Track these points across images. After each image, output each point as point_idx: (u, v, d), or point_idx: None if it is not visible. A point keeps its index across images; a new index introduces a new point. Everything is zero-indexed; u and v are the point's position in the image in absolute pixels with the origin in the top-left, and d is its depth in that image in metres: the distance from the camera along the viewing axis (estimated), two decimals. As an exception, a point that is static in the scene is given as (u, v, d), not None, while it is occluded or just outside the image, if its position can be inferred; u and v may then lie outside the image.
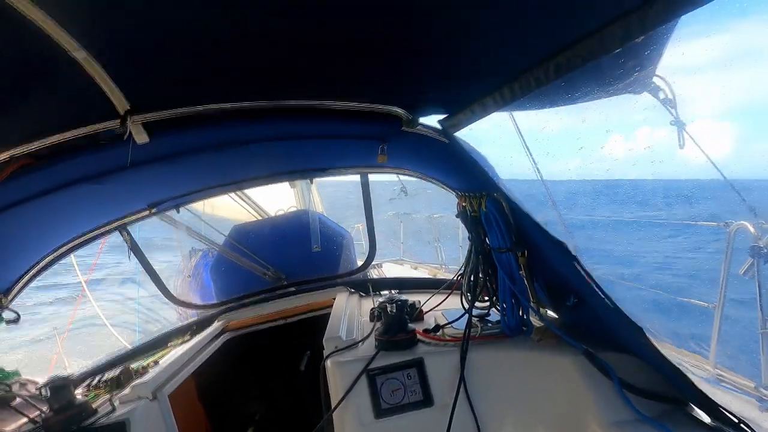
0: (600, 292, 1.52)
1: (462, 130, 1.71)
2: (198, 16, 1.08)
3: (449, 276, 6.61)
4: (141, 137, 1.57)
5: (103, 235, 2.71)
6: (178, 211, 2.94)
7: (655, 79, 1.69)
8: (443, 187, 2.61)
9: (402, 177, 3.05)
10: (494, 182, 1.81)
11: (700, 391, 1.44)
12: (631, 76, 1.59)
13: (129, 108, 1.48)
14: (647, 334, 1.45)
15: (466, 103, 1.58)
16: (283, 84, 1.58)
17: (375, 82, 1.61)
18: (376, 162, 2.17)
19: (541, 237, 1.72)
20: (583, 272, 1.55)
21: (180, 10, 1.04)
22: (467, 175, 2.06)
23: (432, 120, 1.82)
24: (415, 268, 7.07)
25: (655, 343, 1.46)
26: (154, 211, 2.71)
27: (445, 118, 1.73)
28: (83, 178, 1.78)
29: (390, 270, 6.26)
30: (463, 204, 2.20)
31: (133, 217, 2.72)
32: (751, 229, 2.52)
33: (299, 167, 2.74)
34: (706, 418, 1.52)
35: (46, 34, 1.04)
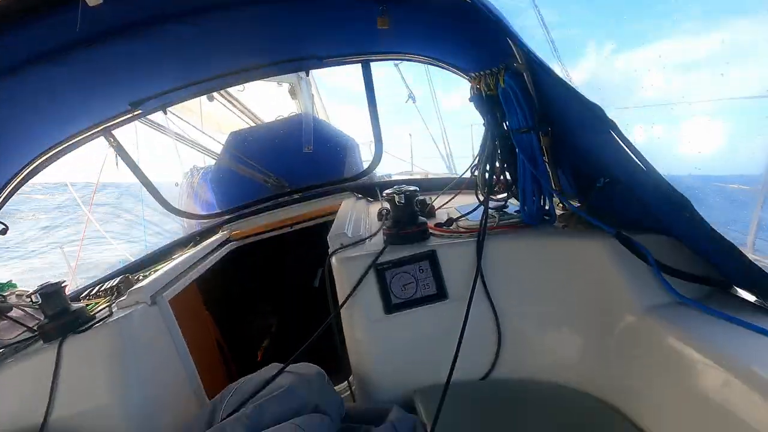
0: (640, 163, 1.31)
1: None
2: None
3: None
4: None
5: (85, 140, 2.51)
6: (165, 113, 2.72)
7: None
8: (454, 71, 2.33)
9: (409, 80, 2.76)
10: (516, 44, 1.53)
11: (753, 268, 1.27)
12: None
13: None
14: (693, 209, 1.25)
15: None
16: None
17: None
18: (379, 37, 1.88)
19: (571, 105, 1.48)
20: (620, 141, 1.33)
21: None
22: (484, 45, 1.78)
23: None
24: (426, 175, 6.88)
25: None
26: (137, 112, 2.49)
27: None
28: (37, 57, 1.54)
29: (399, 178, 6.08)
30: (478, 86, 1.94)
31: (116, 119, 2.50)
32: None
33: (293, 55, 2.45)
34: (752, 298, 1.37)
35: None
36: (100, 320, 1.80)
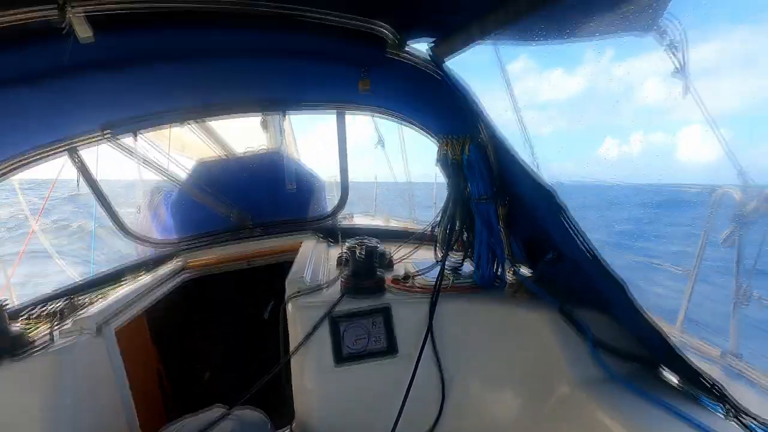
0: (584, 246, 1.43)
1: (453, 59, 1.54)
2: None
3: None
4: (83, 31, 1.34)
5: (49, 156, 2.46)
6: (136, 139, 2.70)
7: (662, 22, 1.54)
8: (423, 132, 2.45)
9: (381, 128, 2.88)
10: (482, 120, 1.66)
11: (676, 353, 1.40)
12: (637, 12, 1.44)
13: None
14: (628, 291, 1.38)
15: (458, 25, 1.41)
16: None
17: None
18: (357, 91, 1.98)
19: (527, 185, 1.60)
20: (568, 223, 1.45)
21: None
22: (453, 114, 1.91)
23: (420, 47, 1.64)
24: (387, 221, 6.96)
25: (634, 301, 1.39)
26: (107, 134, 2.47)
27: (434, 43, 1.55)
28: (15, 79, 1.54)
29: (361, 221, 6.13)
30: (445, 148, 2.06)
31: (84, 139, 2.47)
32: (737, 196, 2.47)
33: (272, 96, 2.52)
34: (675, 381, 1.49)
35: None
36: (40, 347, 1.73)
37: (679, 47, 1.54)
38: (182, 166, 3.91)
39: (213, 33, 1.56)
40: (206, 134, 5.64)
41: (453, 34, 1.43)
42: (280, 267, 3.00)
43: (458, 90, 1.58)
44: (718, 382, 1.33)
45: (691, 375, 1.40)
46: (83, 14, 1.32)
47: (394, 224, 6.62)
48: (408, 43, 1.62)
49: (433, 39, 1.55)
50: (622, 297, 1.40)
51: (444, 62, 1.56)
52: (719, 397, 1.32)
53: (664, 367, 1.55)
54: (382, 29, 1.57)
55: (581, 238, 1.42)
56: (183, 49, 1.67)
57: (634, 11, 1.40)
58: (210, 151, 5.83)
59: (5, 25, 1.31)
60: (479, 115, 1.63)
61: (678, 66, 1.62)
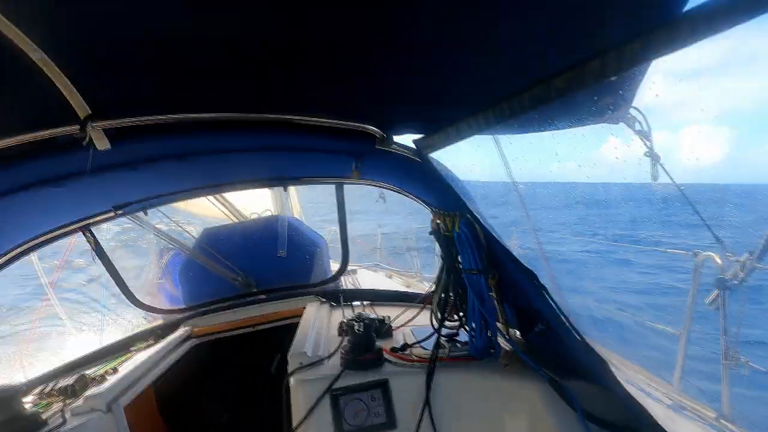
0: (567, 323, 1.52)
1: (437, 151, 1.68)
2: (166, 17, 1.02)
3: (424, 286, 6.65)
4: (102, 143, 1.50)
5: (64, 235, 2.61)
6: (146, 213, 2.85)
7: (631, 111, 1.70)
8: (419, 202, 2.58)
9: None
10: (467, 205, 1.79)
11: (660, 427, 1.45)
12: (607, 109, 1.60)
13: (90, 113, 1.41)
14: (611, 368, 1.46)
15: (441, 125, 1.56)
16: (255, 96, 1.53)
17: (349, 99, 1.58)
18: (352, 173, 2.14)
19: (511, 263, 1.71)
20: (551, 302, 1.55)
21: (145, 11, 0.99)
22: (441, 195, 2.05)
23: (407, 139, 1.80)
24: (390, 277, 7.03)
25: (618, 377, 1.47)
26: (119, 212, 2.62)
27: (420, 138, 1.71)
28: (41, 182, 1.70)
29: (364, 277, 6.21)
30: (437, 221, 2.18)
31: (97, 218, 2.62)
32: (718, 261, 2.56)
33: (274, 175, 2.69)
34: None
35: (1, 32, 0.98)
36: (54, 428, 1.80)
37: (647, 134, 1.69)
38: (189, 234, 4.04)
39: (222, 138, 1.73)
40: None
41: (436, 133, 1.58)
42: (284, 330, 3.07)
43: (442, 178, 1.72)
44: None
45: None
46: (102, 128, 1.48)
47: (398, 280, 6.74)
48: (395, 138, 1.78)
49: (420, 135, 1.71)
50: (606, 373, 1.48)
51: (429, 154, 1.71)
52: None
53: None
54: (371, 128, 1.74)
55: (564, 317, 1.51)
56: (193, 151, 1.83)
57: (607, 104, 1.56)
58: (213, 209, 5.99)
59: (36, 139, 1.47)
60: (465, 201, 1.76)
61: (648, 149, 1.77)
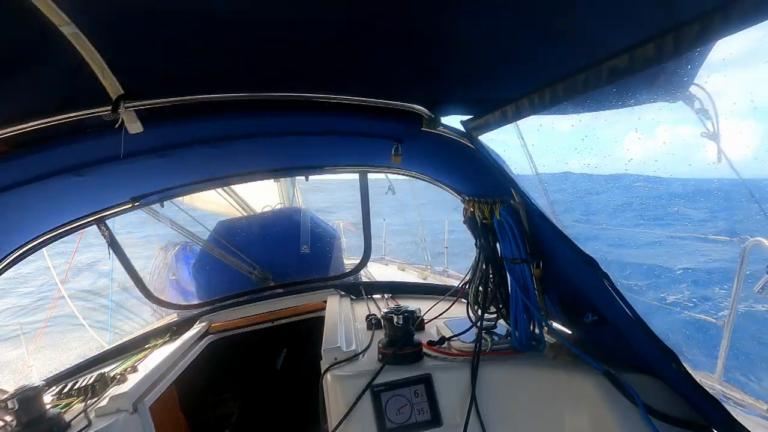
0: (631, 314, 1.43)
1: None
2: None
3: (438, 278, 6.56)
4: (134, 126, 1.40)
5: (80, 228, 2.51)
6: (162, 205, 2.75)
7: (692, 89, 1.60)
8: (450, 192, 2.49)
9: (390, 176, 2.93)
10: (515, 187, 1.69)
11: (730, 418, 1.37)
12: (667, 89, 1.51)
13: (123, 93, 1.31)
14: (682, 361, 1.37)
15: (494, 105, 1.45)
16: (293, 74, 1.43)
17: (395, 76, 1.47)
18: (389, 163, 2.03)
19: (563, 250, 1.61)
20: (612, 291, 1.45)
21: None
22: (484, 180, 1.94)
23: (453, 120, 1.69)
24: (403, 269, 6.95)
25: (689, 370, 1.38)
26: (137, 204, 2.52)
27: (469, 119, 1.60)
28: (65, 170, 1.60)
29: (376, 270, 6.12)
30: (471, 209, 2.08)
31: (114, 210, 2.52)
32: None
33: (298, 164, 2.58)
34: None
35: (31, 4, 0.88)
36: (79, 431, 1.71)
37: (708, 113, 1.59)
38: (204, 226, 3.95)
39: (256, 120, 1.62)
40: (223, 190, 5.72)
41: (487, 113, 1.48)
42: (304, 325, 2.98)
43: (490, 161, 1.62)
44: None
45: None
46: (134, 109, 1.38)
47: (411, 272, 6.66)
48: (442, 120, 1.68)
49: (469, 116, 1.60)
50: (673, 367, 1.39)
51: (477, 137, 1.60)
52: None
53: None
54: (419, 108, 1.63)
55: (628, 307, 1.42)
56: (222, 135, 1.73)
57: (665, 82, 1.47)
58: (215, 203, 5.89)
59: (62, 122, 1.37)
60: (513, 184, 1.66)
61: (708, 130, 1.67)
